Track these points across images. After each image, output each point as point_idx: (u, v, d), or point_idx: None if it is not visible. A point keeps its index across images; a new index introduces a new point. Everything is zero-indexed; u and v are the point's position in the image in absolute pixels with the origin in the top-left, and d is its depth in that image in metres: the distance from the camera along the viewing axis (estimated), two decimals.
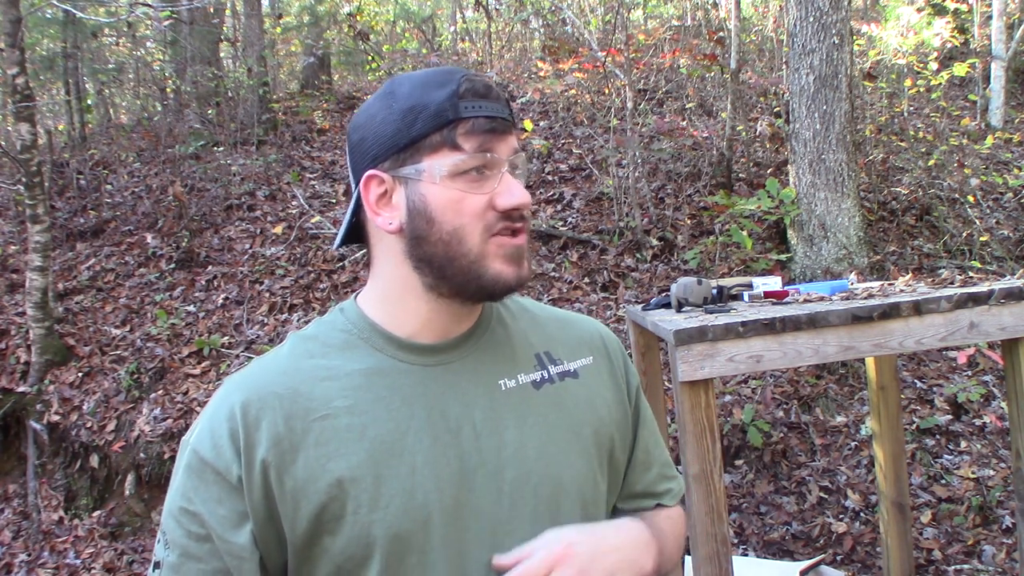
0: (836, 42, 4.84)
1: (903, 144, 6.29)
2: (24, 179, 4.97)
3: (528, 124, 6.87)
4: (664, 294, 2.57)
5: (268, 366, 0.90)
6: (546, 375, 0.96)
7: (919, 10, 7.20)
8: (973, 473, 3.60)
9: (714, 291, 2.34)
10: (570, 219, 5.82)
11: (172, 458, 4.39)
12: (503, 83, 7.84)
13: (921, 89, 6.79)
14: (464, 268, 0.86)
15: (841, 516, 3.53)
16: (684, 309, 2.28)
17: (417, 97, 0.86)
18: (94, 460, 4.53)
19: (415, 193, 0.87)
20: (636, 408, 1.05)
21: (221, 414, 0.85)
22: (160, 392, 4.70)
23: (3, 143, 6.78)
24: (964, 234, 5.42)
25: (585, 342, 1.02)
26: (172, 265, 5.71)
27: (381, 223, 0.90)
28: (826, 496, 3.67)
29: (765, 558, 3.30)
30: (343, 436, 0.84)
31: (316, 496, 0.82)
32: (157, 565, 0.85)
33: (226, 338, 5.02)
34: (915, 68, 6.78)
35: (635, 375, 1.06)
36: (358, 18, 9.37)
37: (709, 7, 8.55)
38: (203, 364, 4.88)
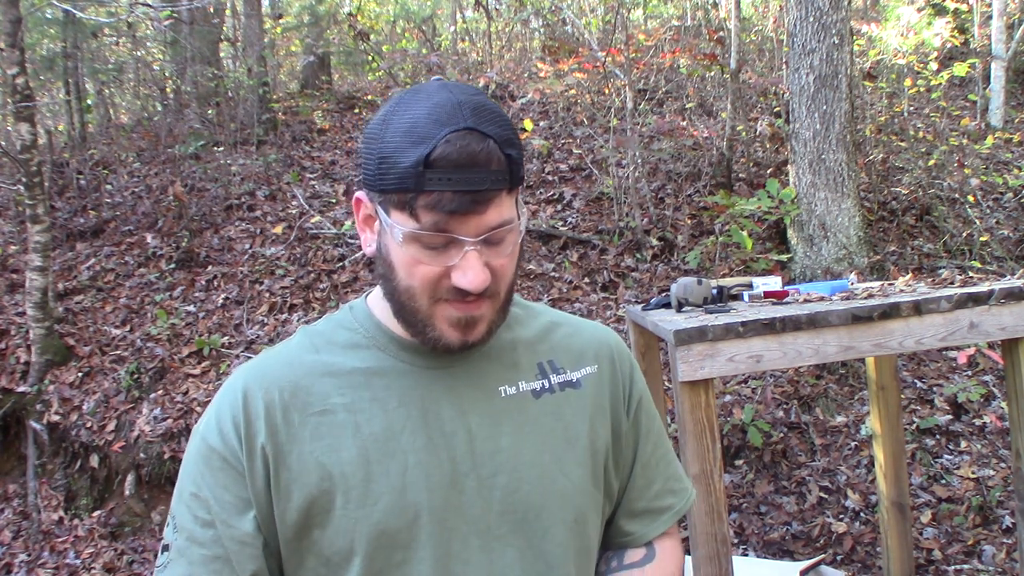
0: (836, 42, 4.84)
1: (903, 144, 6.29)
2: (24, 179, 4.97)
3: (528, 124, 6.87)
4: (664, 294, 2.57)
5: (274, 357, 0.93)
6: (547, 384, 0.95)
7: (919, 10, 7.20)
8: (973, 473, 3.60)
9: (714, 291, 2.35)
10: (570, 219, 5.82)
11: (172, 458, 4.39)
12: (503, 83, 7.85)
13: (921, 89, 6.79)
14: (413, 321, 0.86)
15: (841, 516, 3.53)
16: (684, 309, 2.28)
17: (395, 146, 0.80)
18: (94, 460, 4.53)
19: (383, 236, 0.86)
20: (636, 421, 1.02)
21: (226, 403, 0.89)
22: (160, 392, 4.70)
23: (3, 143, 6.78)
24: (964, 234, 5.42)
25: (592, 351, 1.00)
26: (172, 265, 5.71)
27: (364, 242, 0.92)
28: (826, 496, 3.67)
29: (765, 558, 3.30)
30: (337, 432, 0.86)
31: (307, 489, 0.84)
32: (166, 547, 0.88)
33: (226, 338, 5.02)
34: (915, 68, 6.78)
35: (640, 387, 1.03)
36: (358, 18, 9.37)
37: (709, 7, 8.55)
38: (203, 364, 4.88)
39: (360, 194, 0.90)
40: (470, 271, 0.81)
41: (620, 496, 1.02)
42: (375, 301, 0.96)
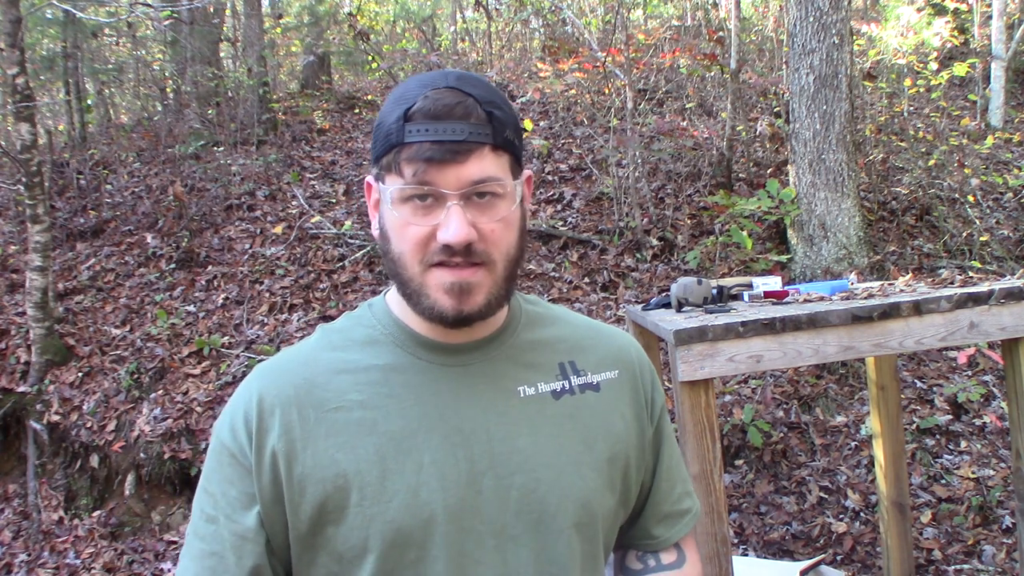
0: (836, 42, 4.84)
1: (903, 144, 6.29)
2: (24, 179, 4.97)
3: (528, 124, 6.87)
4: (664, 294, 2.57)
5: (292, 356, 0.93)
6: (567, 385, 0.95)
7: (919, 10, 7.20)
8: (973, 473, 3.60)
9: (714, 291, 2.35)
10: (570, 219, 5.82)
11: (172, 458, 4.39)
12: (503, 83, 7.85)
13: (921, 89, 6.79)
14: (410, 292, 0.86)
15: (841, 516, 3.53)
16: (684, 309, 2.28)
17: (386, 112, 0.85)
18: (94, 460, 4.53)
19: (381, 211, 0.88)
20: (659, 428, 1.03)
21: (240, 401, 0.90)
22: (160, 392, 4.70)
23: (3, 143, 6.78)
24: (964, 234, 5.42)
25: (613, 356, 1.00)
26: (172, 265, 5.71)
27: (373, 227, 0.92)
28: (826, 496, 3.67)
29: (765, 558, 3.30)
30: (353, 430, 0.86)
31: (321, 486, 0.85)
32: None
33: (226, 338, 5.02)
34: (915, 68, 6.78)
35: (661, 395, 1.04)
36: (358, 18, 9.37)
37: (709, 7, 8.55)
38: (203, 364, 4.88)
39: (368, 178, 0.92)
40: (452, 224, 0.81)
41: (643, 501, 1.03)
42: (394, 298, 0.96)
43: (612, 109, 6.35)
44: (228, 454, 0.87)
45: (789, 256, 5.04)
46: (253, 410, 0.87)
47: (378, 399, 0.88)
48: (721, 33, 6.72)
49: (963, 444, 3.81)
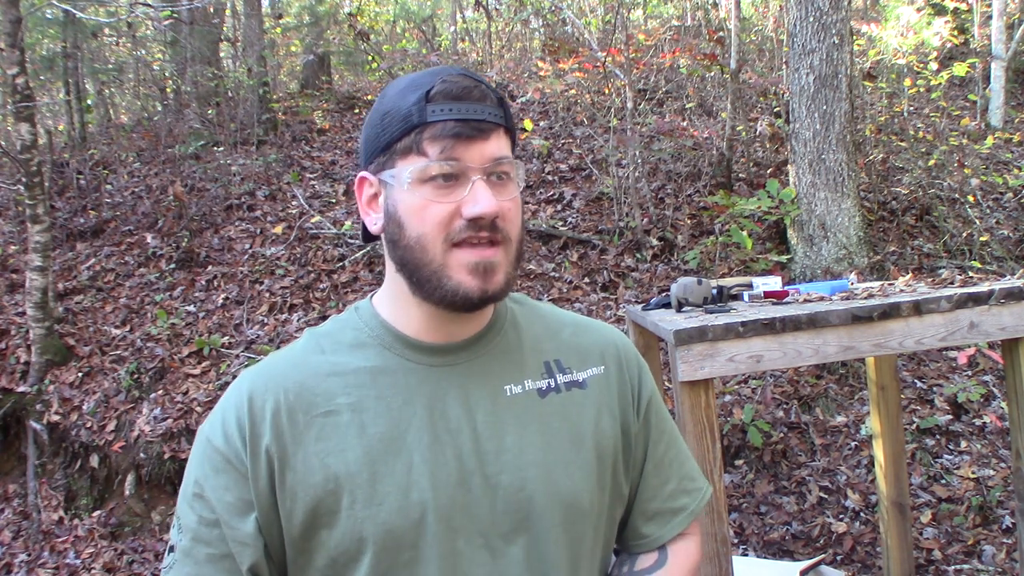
0: (836, 42, 4.84)
1: (903, 144, 6.29)
2: (24, 179, 4.96)
3: (528, 124, 6.87)
4: (664, 294, 2.57)
5: (281, 360, 0.93)
6: (552, 384, 0.95)
7: (919, 10, 7.20)
8: (973, 473, 3.60)
9: (714, 291, 2.34)
10: (570, 219, 5.82)
11: (172, 458, 4.39)
12: (503, 83, 7.85)
13: (921, 89, 6.78)
14: (428, 276, 0.86)
15: (841, 516, 3.53)
16: (684, 309, 2.28)
17: (395, 100, 0.87)
18: (94, 460, 4.53)
19: (391, 197, 0.88)
20: (647, 421, 1.01)
21: (231, 405, 0.89)
22: (160, 392, 4.70)
23: (3, 143, 6.78)
24: (964, 234, 5.42)
25: (598, 351, 1.00)
26: (172, 265, 5.71)
27: (370, 223, 0.92)
28: (826, 496, 3.67)
29: (765, 558, 3.30)
30: (343, 432, 0.86)
31: (313, 490, 0.84)
32: (172, 549, 0.88)
33: (226, 338, 5.02)
34: (915, 68, 6.77)
35: (649, 387, 1.03)
36: (358, 18, 9.37)
37: (709, 7, 8.55)
38: (203, 364, 4.87)
39: (362, 174, 0.91)
40: (481, 198, 0.83)
41: (632, 497, 1.02)
42: (380, 301, 0.96)
43: (612, 109, 6.35)
44: (222, 459, 0.86)
45: (789, 256, 5.04)
46: (245, 414, 0.87)
47: (367, 401, 0.88)
48: (721, 33, 6.72)
49: (963, 444, 3.81)
